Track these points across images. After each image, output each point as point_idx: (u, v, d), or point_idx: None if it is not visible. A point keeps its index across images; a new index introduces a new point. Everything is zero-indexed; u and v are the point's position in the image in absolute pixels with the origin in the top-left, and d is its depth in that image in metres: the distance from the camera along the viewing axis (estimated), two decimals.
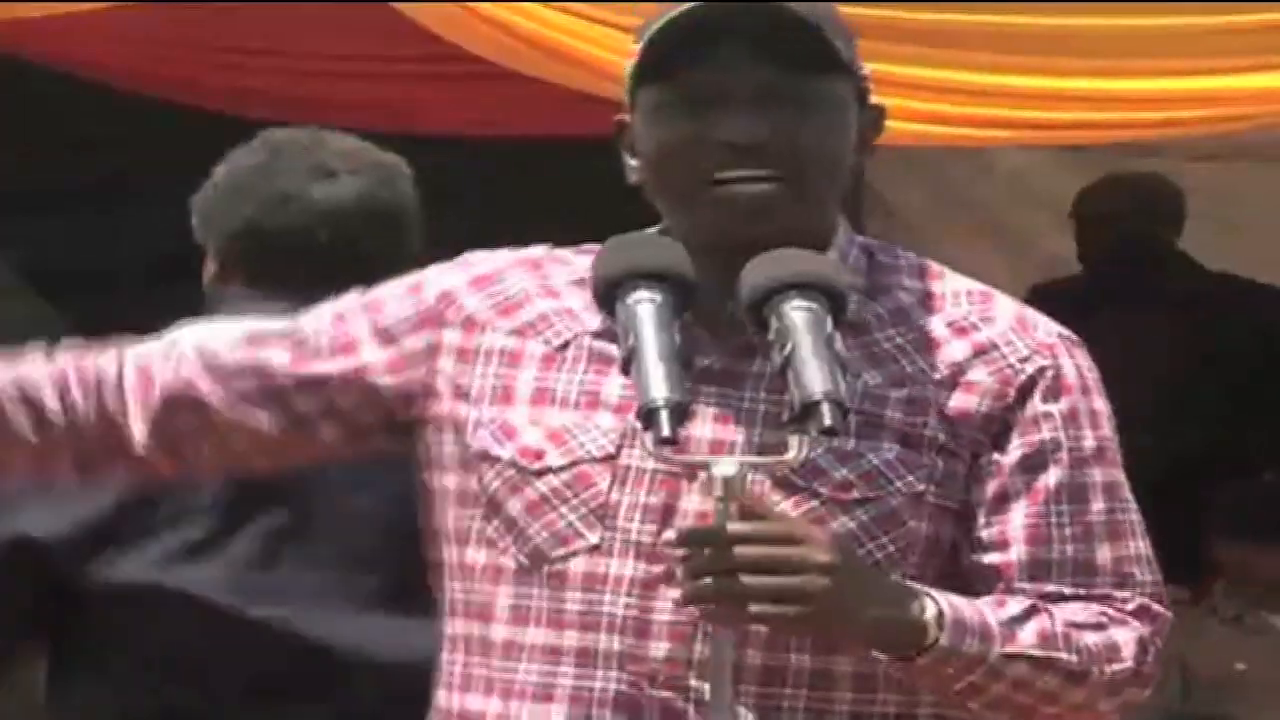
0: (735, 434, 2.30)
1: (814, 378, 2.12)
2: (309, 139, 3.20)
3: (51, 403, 2.42)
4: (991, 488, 2.33)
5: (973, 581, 2.33)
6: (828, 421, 2.10)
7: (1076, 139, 5.58)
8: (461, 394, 2.38)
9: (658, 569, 2.28)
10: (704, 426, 2.28)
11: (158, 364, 2.45)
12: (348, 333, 2.44)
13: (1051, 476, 2.33)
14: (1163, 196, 6.29)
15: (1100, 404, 2.39)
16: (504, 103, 5.29)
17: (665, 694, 2.27)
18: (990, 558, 2.33)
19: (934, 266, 2.41)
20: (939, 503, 2.33)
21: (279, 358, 2.44)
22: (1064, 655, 2.27)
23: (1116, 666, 2.29)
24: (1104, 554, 2.36)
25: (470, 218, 4.07)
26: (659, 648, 2.27)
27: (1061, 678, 2.27)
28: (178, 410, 2.43)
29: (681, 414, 2.14)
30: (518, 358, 2.35)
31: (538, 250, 2.41)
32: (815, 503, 2.28)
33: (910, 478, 2.31)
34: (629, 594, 2.31)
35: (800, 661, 2.31)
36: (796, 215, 2.28)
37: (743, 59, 2.28)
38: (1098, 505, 2.35)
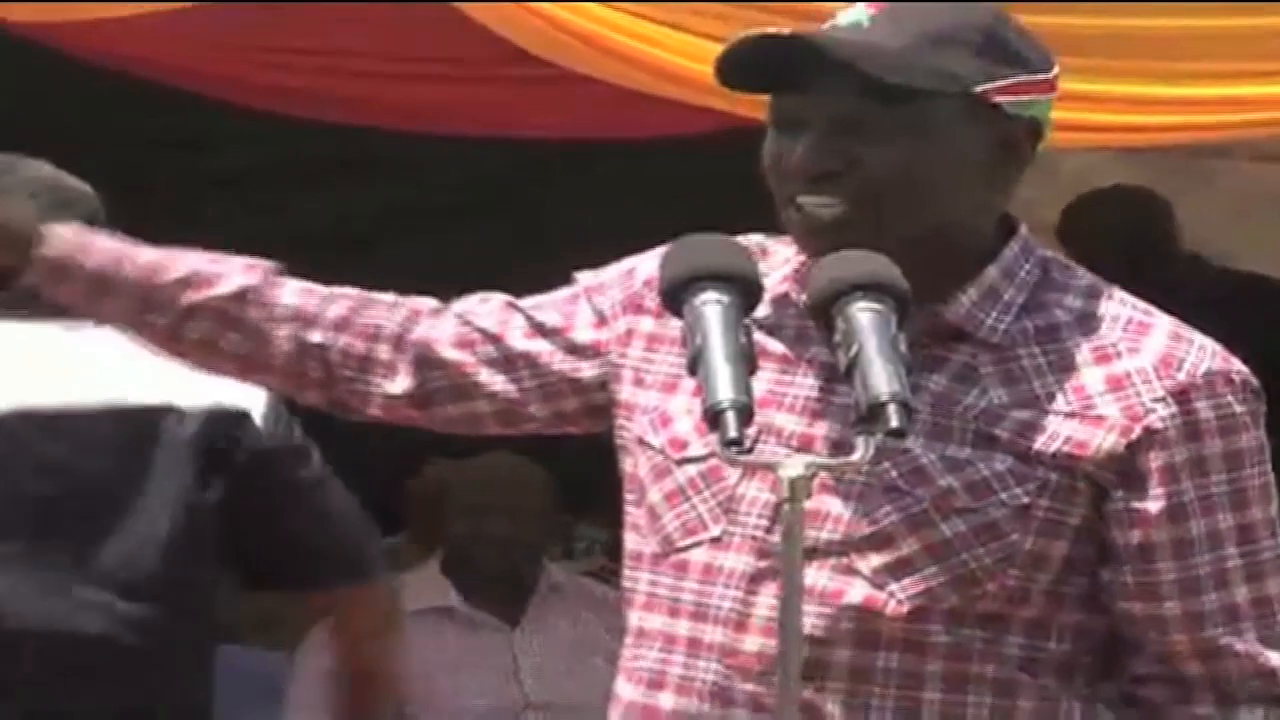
0: (821, 428, 2.34)
1: (880, 379, 2.11)
2: (5, 165, 3.34)
3: (318, 337, 2.52)
4: (1135, 536, 2.33)
5: (1118, 624, 2.36)
6: (894, 423, 2.09)
7: (1142, 141, 5.43)
8: (639, 380, 2.43)
9: (764, 564, 2.30)
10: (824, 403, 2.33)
11: (428, 324, 2.53)
12: (571, 315, 2.50)
13: (1193, 527, 2.33)
14: (1152, 210, 6.17)
15: (1246, 441, 2.36)
16: (559, 104, 5.19)
17: (755, 688, 2.29)
18: (1137, 608, 2.34)
19: (1109, 289, 2.39)
20: (1050, 517, 2.31)
21: (517, 328, 2.51)
22: None
23: None
24: (1242, 595, 2.36)
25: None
26: (753, 642, 2.29)
27: None
28: (433, 368, 2.50)
29: (748, 415, 2.13)
30: (665, 342, 2.41)
31: (751, 238, 2.42)
32: (915, 508, 2.30)
33: (1018, 490, 2.30)
34: (736, 587, 2.33)
35: (889, 661, 2.33)
36: (871, 238, 2.27)
37: (827, 86, 2.30)
38: (1231, 550, 2.34)
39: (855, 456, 2.14)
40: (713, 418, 2.13)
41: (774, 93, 2.38)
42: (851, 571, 2.34)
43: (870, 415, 2.11)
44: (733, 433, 2.11)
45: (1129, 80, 4.64)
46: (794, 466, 2.12)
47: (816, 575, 2.33)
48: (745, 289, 2.23)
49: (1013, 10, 3.51)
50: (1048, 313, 2.35)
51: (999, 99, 2.32)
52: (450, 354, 2.52)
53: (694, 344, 2.20)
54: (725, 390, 2.13)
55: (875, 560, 2.33)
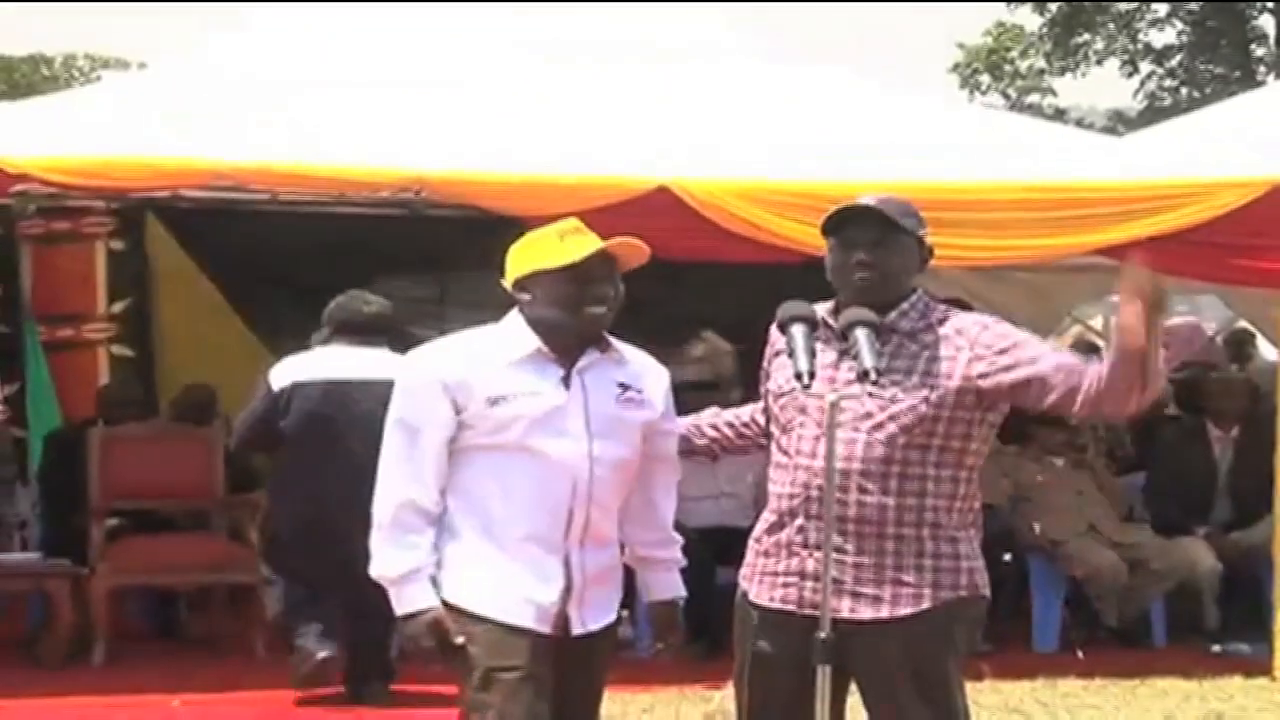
0: (842, 376, 3.51)
1: (866, 359, 3.39)
2: None
3: (730, 427, 3.99)
4: (1006, 373, 3.51)
5: (1030, 393, 3.55)
6: (872, 378, 3.36)
7: (978, 263, 7.64)
8: (768, 376, 3.74)
9: (820, 431, 3.49)
10: (837, 373, 3.52)
11: (748, 412, 3.97)
12: (762, 374, 3.79)
13: (1023, 353, 3.51)
14: None
15: (1015, 332, 3.59)
16: (750, 249, 7.07)
17: (820, 481, 3.46)
18: (1032, 382, 3.53)
19: (947, 307, 3.57)
20: (934, 399, 3.48)
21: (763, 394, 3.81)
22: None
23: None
24: (1053, 356, 3.58)
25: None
26: (817, 463, 3.46)
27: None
28: (744, 427, 3.98)
29: (812, 376, 3.35)
30: (780, 353, 3.66)
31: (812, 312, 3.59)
32: (882, 401, 3.48)
33: (922, 390, 3.47)
34: (809, 441, 3.55)
35: (879, 468, 3.50)
36: (884, 292, 3.52)
37: (863, 229, 3.52)
38: (1040, 355, 3.54)
39: (856, 390, 3.38)
40: (797, 376, 3.37)
41: (840, 231, 3.50)
42: (857, 430, 3.53)
43: (863, 375, 3.37)
44: (806, 382, 3.36)
45: (985, 239, 7.06)
46: (833, 395, 3.34)
47: (844, 434, 3.47)
48: (812, 323, 3.44)
49: (949, 209, 6.31)
50: (929, 319, 3.55)
51: (924, 237, 3.55)
52: (749, 416, 3.92)
53: (790, 347, 3.43)
54: (804, 365, 3.38)
55: (869, 424, 3.53)
